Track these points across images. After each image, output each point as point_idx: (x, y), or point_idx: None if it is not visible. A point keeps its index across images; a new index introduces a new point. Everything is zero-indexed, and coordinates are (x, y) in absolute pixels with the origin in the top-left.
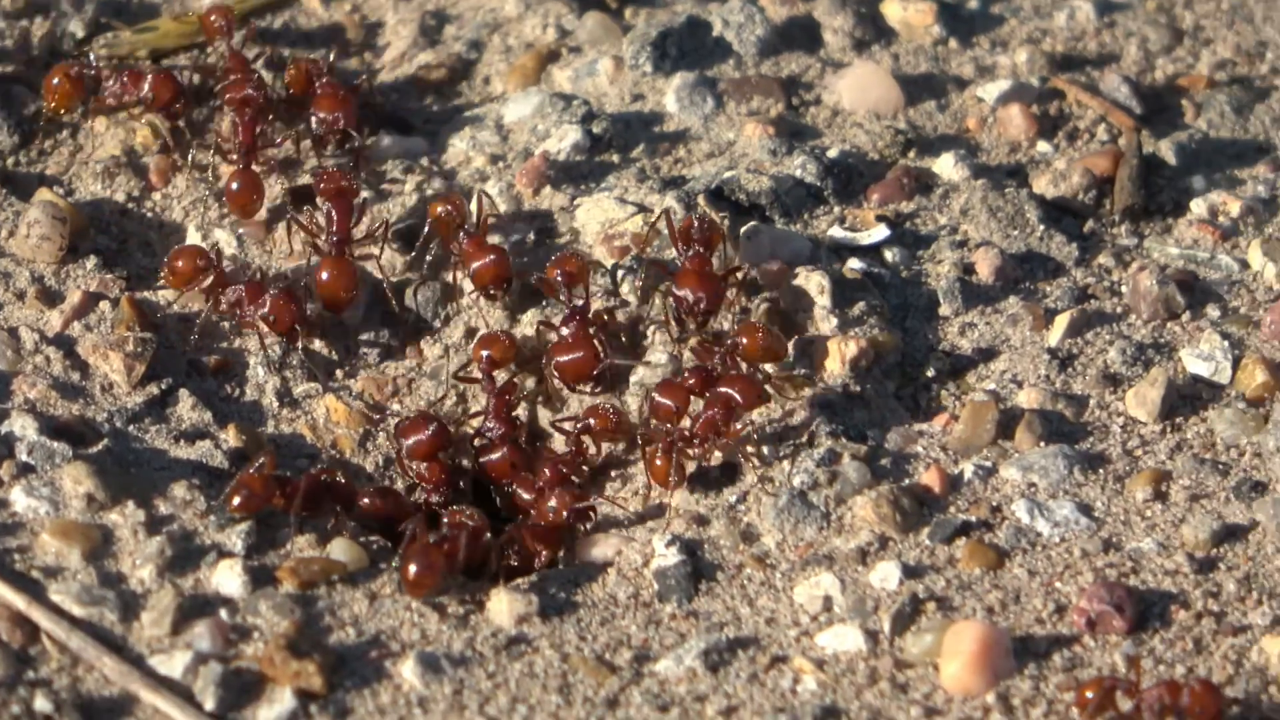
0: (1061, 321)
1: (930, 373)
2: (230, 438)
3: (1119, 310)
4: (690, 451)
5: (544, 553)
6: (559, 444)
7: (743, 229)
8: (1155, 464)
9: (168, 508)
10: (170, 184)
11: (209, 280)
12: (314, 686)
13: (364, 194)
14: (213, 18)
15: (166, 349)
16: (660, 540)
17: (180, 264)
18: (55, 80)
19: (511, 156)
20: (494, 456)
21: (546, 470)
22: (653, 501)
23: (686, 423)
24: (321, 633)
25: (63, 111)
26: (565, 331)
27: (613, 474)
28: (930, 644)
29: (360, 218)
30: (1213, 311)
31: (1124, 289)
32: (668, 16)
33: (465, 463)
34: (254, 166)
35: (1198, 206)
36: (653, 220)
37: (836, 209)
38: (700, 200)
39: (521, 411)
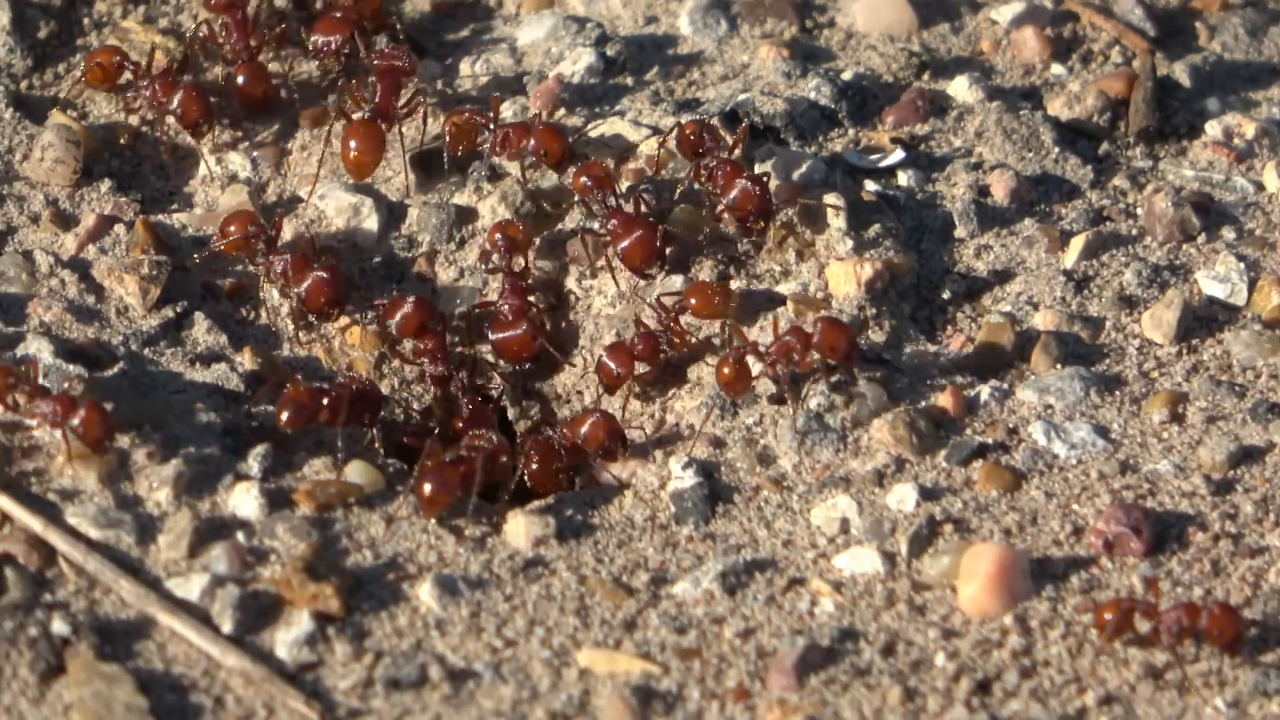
0: (1077, 244)
1: (946, 295)
2: (246, 361)
3: (1134, 232)
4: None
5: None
6: (652, 321)
7: (757, 152)
8: (1171, 386)
9: (184, 430)
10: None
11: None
12: (331, 609)
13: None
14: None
15: (181, 272)
16: (677, 462)
17: (232, 228)
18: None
19: (526, 80)
20: (511, 334)
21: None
22: (670, 426)
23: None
24: (339, 555)
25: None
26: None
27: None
28: (948, 566)
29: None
30: (1228, 233)
31: (1139, 211)
32: None
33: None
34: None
35: (1212, 129)
36: (663, 141)
37: (851, 132)
38: (715, 122)
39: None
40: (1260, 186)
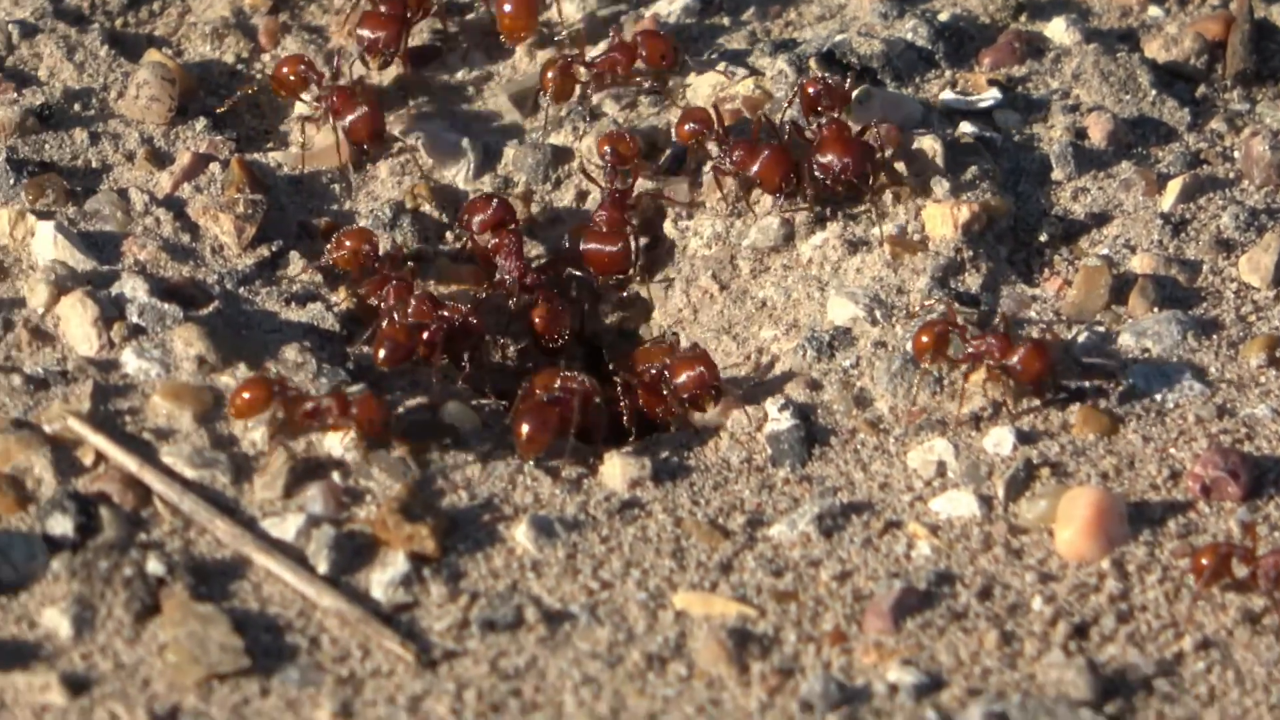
0: (1174, 187)
1: (1043, 237)
2: (341, 300)
3: (1231, 176)
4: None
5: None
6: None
7: (854, 93)
8: (1269, 330)
9: (279, 370)
10: (280, 45)
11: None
12: (427, 550)
13: None
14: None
15: (277, 211)
16: (773, 404)
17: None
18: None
19: (623, 20)
20: (604, 247)
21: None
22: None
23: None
24: (434, 496)
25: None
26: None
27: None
28: (1045, 509)
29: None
30: None
31: (1236, 154)
32: None
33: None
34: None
35: None
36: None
37: (948, 73)
38: (811, 64)
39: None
40: None
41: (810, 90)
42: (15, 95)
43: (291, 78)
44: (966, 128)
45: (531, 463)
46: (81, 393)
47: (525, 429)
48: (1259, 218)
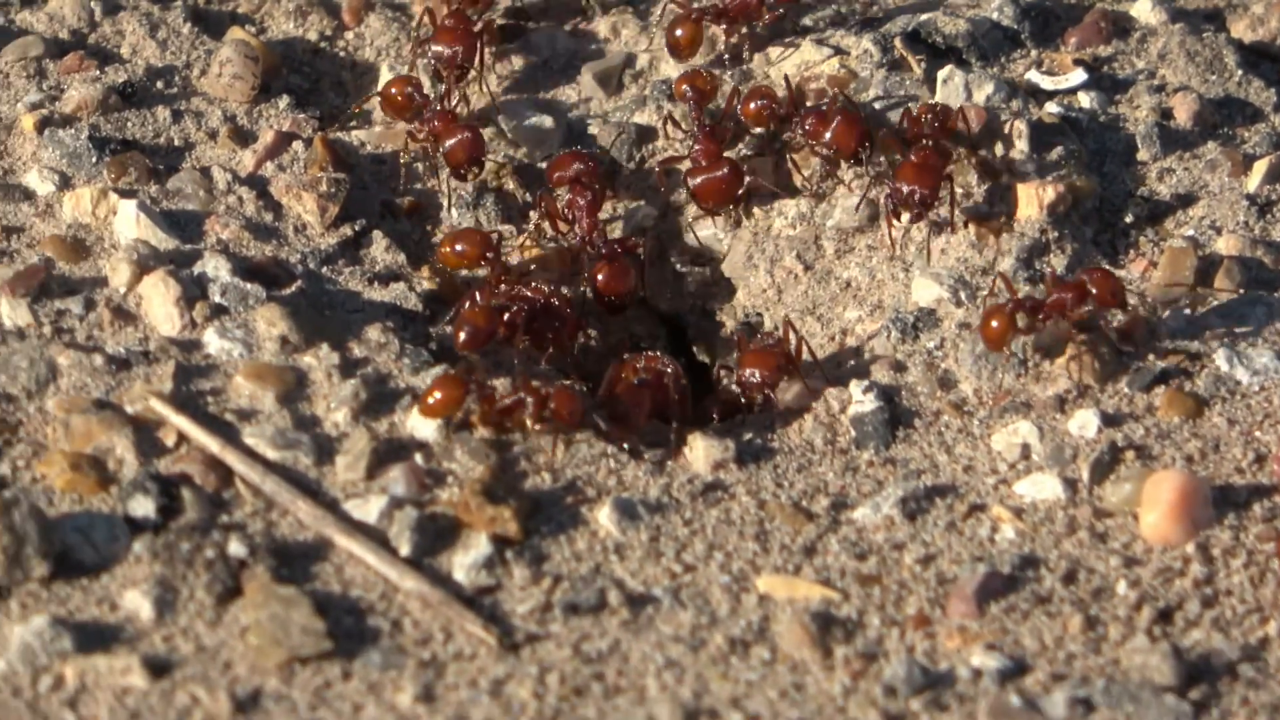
0: (1260, 167)
1: (1128, 218)
2: (424, 280)
3: None
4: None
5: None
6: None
7: (939, 72)
8: None
9: (362, 350)
10: (363, 23)
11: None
12: (510, 532)
13: None
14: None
15: (360, 190)
16: (858, 386)
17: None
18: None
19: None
20: (712, 175)
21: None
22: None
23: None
24: (517, 478)
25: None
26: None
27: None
28: (1129, 493)
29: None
30: None
31: None
32: None
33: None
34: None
35: None
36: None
37: (1033, 52)
38: (897, 43)
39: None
40: None
41: (921, 115)
42: (98, 73)
43: (399, 98)
44: (1052, 108)
45: (616, 446)
46: (163, 373)
47: (617, 411)
48: None
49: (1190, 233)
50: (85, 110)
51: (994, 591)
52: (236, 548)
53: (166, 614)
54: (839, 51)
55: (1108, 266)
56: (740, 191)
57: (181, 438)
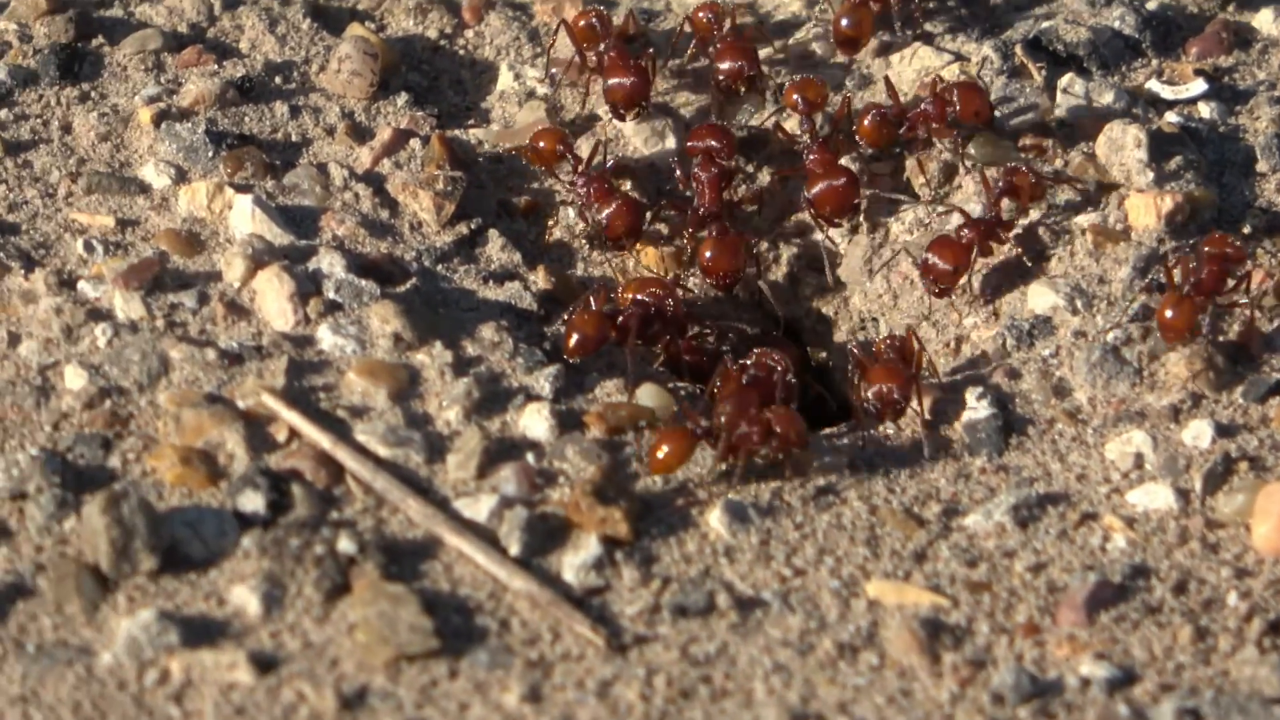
0: None
1: (1247, 229)
2: (539, 279)
3: None
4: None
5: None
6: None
7: (1060, 80)
8: None
9: (475, 349)
10: (484, 21)
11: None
12: (620, 533)
13: None
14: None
15: (476, 188)
16: (971, 393)
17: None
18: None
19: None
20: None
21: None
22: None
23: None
24: (628, 479)
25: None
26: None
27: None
28: (1242, 504)
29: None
30: None
31: None
32: None
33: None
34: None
35: None
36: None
37: (1154, 62)
38: (1018, 50)
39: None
40: None
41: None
42: (216, 67)
43: (547, 153)
44: (1172, 117)
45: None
46: (276, 368)
47: (728, 409)
48: None
49: None
50: (203, 104)
51: (1104, 601)
52: (346, 545)
53: (274, 610)
54: (959, 57)
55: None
56: (858, 201)
57: (293, 433)
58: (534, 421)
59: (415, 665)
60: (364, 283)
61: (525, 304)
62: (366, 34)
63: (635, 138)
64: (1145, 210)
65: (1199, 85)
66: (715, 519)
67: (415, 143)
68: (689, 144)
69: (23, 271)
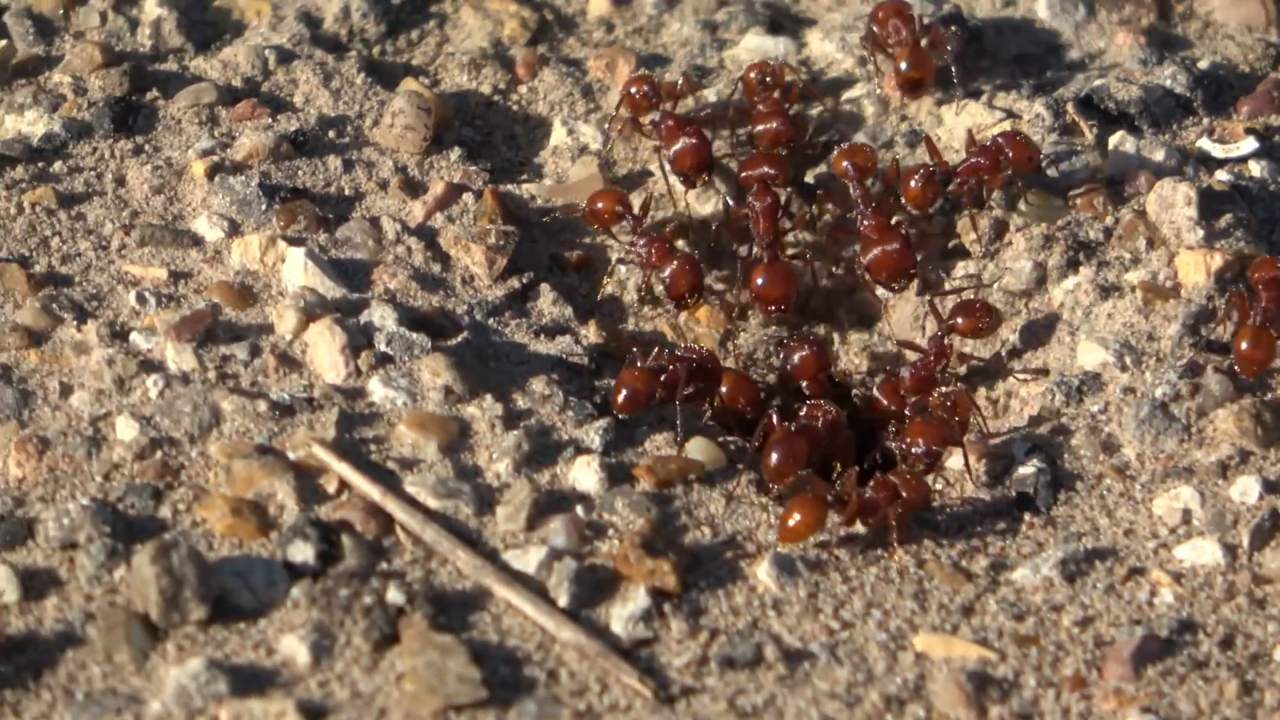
0: None
1: None
2: (590, 334)
3: None
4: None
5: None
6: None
7: (1111, 138)
8: None
9: (526, 402)
10: (537, 77)
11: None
12: (668, 586)
13: None
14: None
15: (528, 242)
16: (1021, 448)
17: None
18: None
19: (882, 61)
20: (884, 249)
21: (907, 377)
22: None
23: None
24: (677, 532)
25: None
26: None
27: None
28: None
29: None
30: None
31: None
32: None
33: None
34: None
35: None
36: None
37: (1205, 120)
38: (1069, 108)
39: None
40: None
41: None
42: (270, 121)
43: (606, 214)
44: (1222, 176)
45: (775, 500)
46: (327, 420)
47: (774, 458)
48: None
49: None
50: (256, 158)
51: (1151, 655)
52: (395, 595)
53: (323, 659)
54: (1010, 114)
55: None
56: (913, 267)
57: (343, 485)
58: (584, 474)
59: (463, 715)
60: (415, 336)
61: (576, 358)
62: (420, 89)
63: (689, 194)
64: (1195, 267)
65: (1249, 144)
66: (763, 572)
67: (468, 197)
68: (743, 174)
69: (75, 323)
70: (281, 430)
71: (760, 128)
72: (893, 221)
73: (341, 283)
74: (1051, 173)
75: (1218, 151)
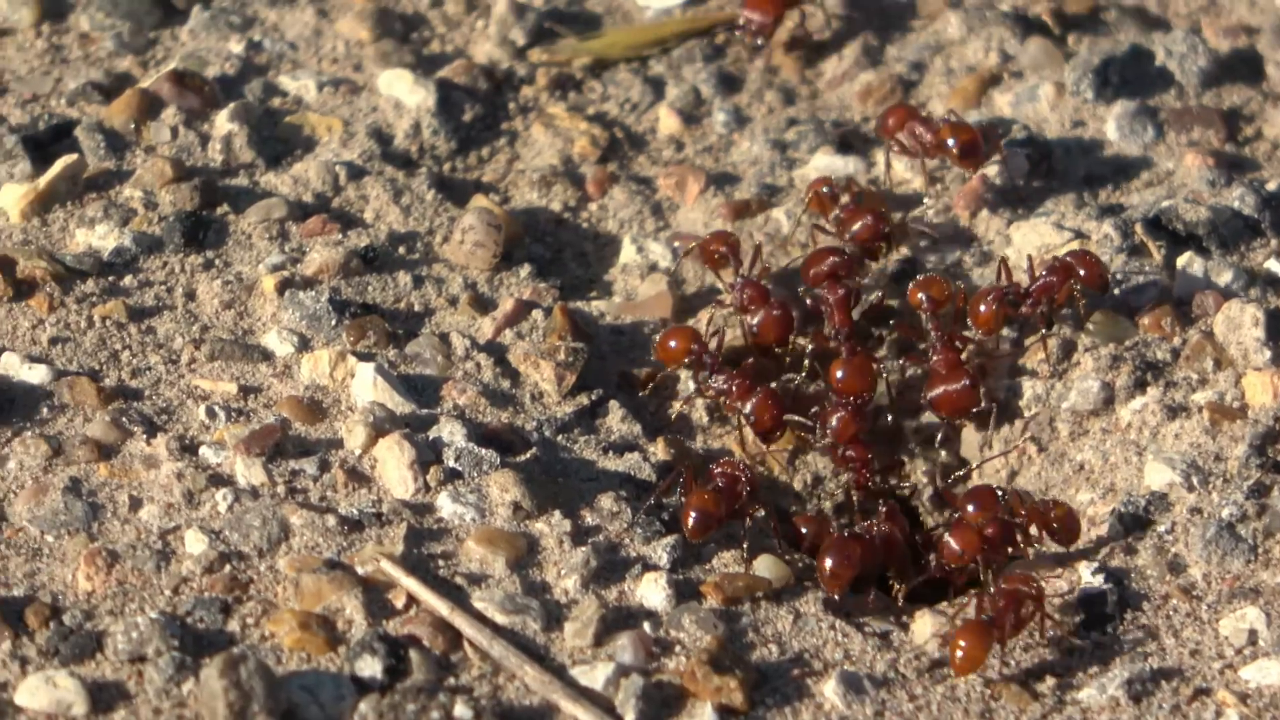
0: None
1: None
2: (659, 451)
3: None
4: None
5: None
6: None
7: (1179, 259)
8: None
9: (594, 519)
10: (607, 194)
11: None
12: (735, 703)
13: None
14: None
15: (597, 359)
16: (1087, 567)
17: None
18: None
19: (949, 179)
20: (949, 388)
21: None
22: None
23: None
24: (744, 649)
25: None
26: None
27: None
28: None
29: None
30: None
31: None
32: (1110, 44)
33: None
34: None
35: None
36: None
37: (1273, 242)
38: (1137, 229)
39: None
40: None
41: None
42: (340, 236)
43: (679, 352)
44: None
45: (843, 619)
46: (395, 535)
47: (829, 563)
48: None
49: None
50: (326, 273)
51: None
52: (462, 710)
53: None
54: (1079, 235)
55: None
56: (977, 407)
57: (411, 600)
58: (651, 591)
59: None
60: (484, 452)
61: (644, 475)
62: (490, 205)
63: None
64: (1262, 389)
65: None
66: (830, 690)
67: (537, 313)
68: (810, 271)
69: (145, 436)
70: (350, 545)
71: (857, 225)
72: (963, 356)
73: (410, 398)
74: (1118, 293)
75: None
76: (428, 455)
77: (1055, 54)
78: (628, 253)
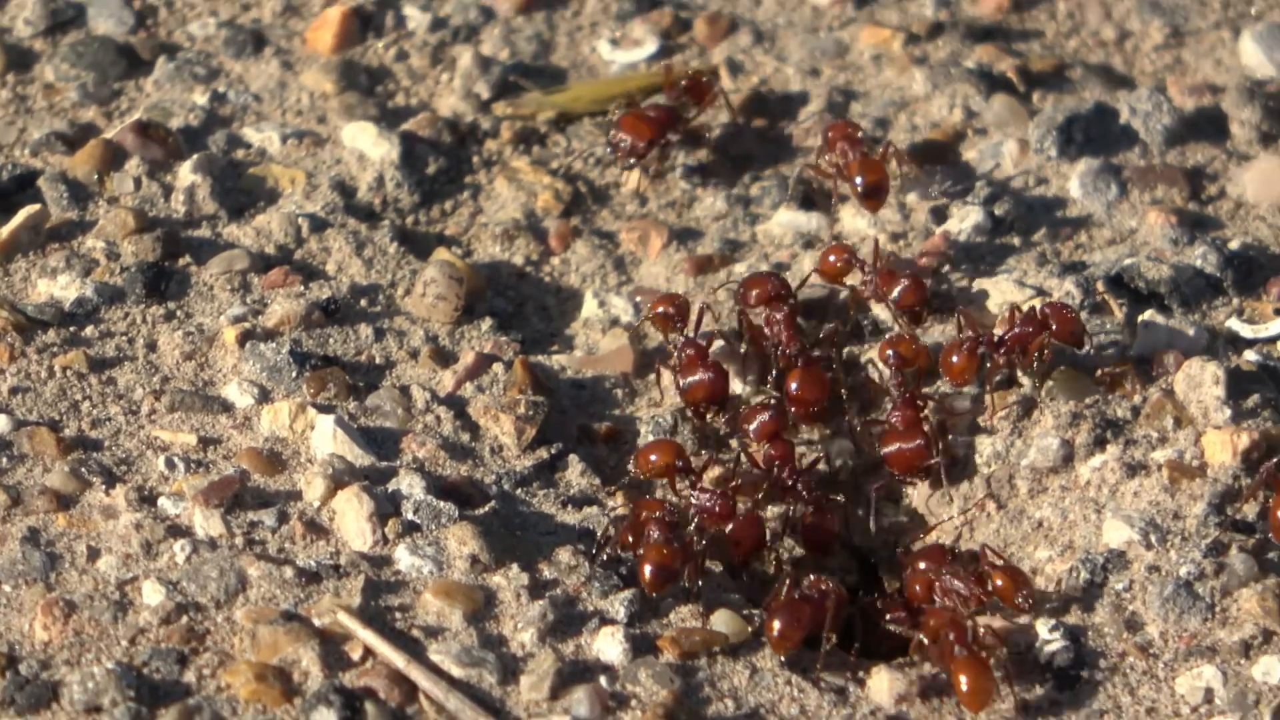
0: None
1: None
2: (618, 504)
3: None
4: None
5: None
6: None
7: (1140, 317)
8: None
9: (552, 572)
10: (570, 249)
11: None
12: None
13: None
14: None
15: (558, 413)
16: (1044, 625)
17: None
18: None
19: (912, 235)
20: (903, 446)
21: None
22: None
23: None
24: (700, 704)
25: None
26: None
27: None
28: None
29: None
30: None
31: None
32: (1075, 102)
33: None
34: None
35: None
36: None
37: (1235, 300)
38: (1099, 286)
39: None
40: None
41: None
42: (302, 288)
43: (660, 466)
44: (1250, 355)
45: (800, 674)
46: (353, 587)
47: (777, 625)
48: None
49: None
50: (288, 325)
51: None
52: None
53: None
54: (1040, 292)
55: None
56: (930, 464)
57: (368, 652)
58: (608, 645)
59: None
60: (443, 504)
61: (603, 529)
62: (452, 259)
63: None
64: (1221, 447)
65: (1278, 324)
66: None
67: (498, 367)
68: (746, 294)
69: (104, 487)
70: (307, 597)
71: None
72: (922, 415)
73: (370, 450)
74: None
75: (1246, 331)
76: (386, 508)
77: (1020, 111)
78: (590, 307)
